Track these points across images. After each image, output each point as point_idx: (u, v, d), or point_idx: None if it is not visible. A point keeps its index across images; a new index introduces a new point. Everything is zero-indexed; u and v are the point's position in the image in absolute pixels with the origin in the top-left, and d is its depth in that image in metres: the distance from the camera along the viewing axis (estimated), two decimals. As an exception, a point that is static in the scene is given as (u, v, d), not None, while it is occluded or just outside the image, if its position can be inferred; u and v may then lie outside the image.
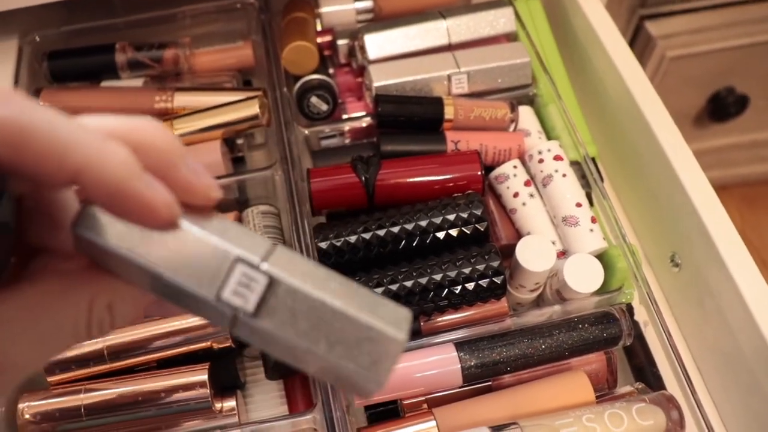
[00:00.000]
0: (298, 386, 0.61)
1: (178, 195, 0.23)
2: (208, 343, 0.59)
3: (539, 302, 0.61)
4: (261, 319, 0.22)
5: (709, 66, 1.15)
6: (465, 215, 0.54)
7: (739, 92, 1.19)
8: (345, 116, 0.67)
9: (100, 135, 0.21)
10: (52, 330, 0.21)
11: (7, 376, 0.21)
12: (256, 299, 0.22)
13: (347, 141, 0.68)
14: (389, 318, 0.23)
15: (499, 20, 0.68)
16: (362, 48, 0.66)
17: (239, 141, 0.70)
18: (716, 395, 0.61)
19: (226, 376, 0.60)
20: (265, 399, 0.62)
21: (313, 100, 0.65)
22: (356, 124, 0.65)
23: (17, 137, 0.19)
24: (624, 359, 0.62)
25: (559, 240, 0.59)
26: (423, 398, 0.54)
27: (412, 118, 0.61)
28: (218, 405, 0.58)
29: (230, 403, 0.59)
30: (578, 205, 0.58)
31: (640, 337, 0.61)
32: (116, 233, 0.22)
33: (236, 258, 0.22)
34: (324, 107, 0.66)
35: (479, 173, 0.58)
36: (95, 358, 0.56)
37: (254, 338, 0.23)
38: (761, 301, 0.54)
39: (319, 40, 0.69)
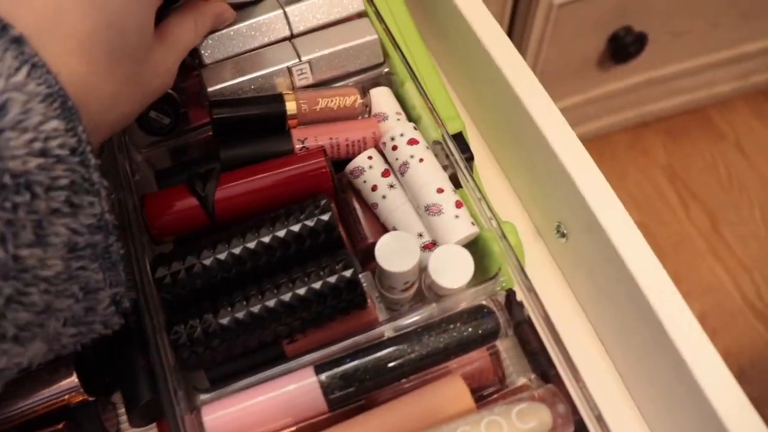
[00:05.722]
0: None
1: None
2: (64, 399, 0.53)
3: (421, 299, 0.57)
4: None
5: (602, 8, 1.10)
6: (311, 224, 0.49)
7: (636, 31, 1.15)
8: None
9: None
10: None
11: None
12: None
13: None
14: None
15: (343, 1, 0.62)
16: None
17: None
18: (620, 366, 0.58)
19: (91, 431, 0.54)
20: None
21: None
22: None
23: None
24: (519, 346, 0.57)
25: (427, 231, 0.54)
26: (294, 428, 0.49)
27: (250, 119, 0.55)
28: (82, 468, 0.52)
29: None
30: (440, 191, 0.53)
31: (530, 323, 0.56)
32: None
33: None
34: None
35: (325, 170, 0.52)
36: None
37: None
38: (643, 265, 0.50)
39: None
